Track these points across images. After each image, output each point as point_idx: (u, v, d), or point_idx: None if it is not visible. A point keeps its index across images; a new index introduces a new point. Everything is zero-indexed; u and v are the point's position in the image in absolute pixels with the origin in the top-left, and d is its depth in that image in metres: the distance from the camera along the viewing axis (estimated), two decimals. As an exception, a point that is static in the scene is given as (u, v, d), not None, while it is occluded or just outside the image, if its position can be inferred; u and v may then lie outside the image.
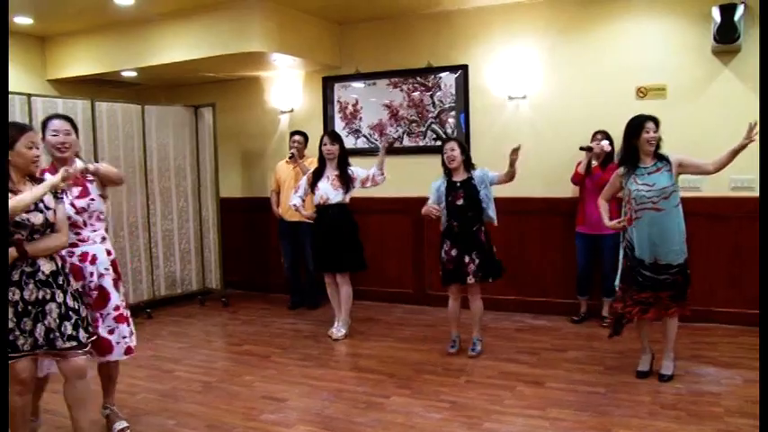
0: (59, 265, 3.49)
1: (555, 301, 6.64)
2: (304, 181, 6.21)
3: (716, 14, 5.65)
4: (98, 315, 3.83)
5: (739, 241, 5.99)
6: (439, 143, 7.00)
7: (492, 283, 6.78)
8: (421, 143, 7.19)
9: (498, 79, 6.78)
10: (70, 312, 3.42)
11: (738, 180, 5.94)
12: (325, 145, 6.05)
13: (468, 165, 5.42)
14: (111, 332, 3.86)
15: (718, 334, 5.81)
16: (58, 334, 3.36)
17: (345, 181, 6.00)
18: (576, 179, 6.17)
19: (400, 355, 5.60)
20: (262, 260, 8.17)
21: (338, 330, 6.15)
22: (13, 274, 3.28)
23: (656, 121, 4.71)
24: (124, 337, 3.93)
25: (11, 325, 3.26)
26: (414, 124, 7.24)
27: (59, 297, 3.40)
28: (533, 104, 6.66)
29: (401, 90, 7.28)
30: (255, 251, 8.22)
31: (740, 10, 5.57)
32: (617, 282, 4.84)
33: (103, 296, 3.85)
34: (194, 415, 4.36)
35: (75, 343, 3.42)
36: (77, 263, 3.78)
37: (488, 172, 5.41)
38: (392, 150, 7.22)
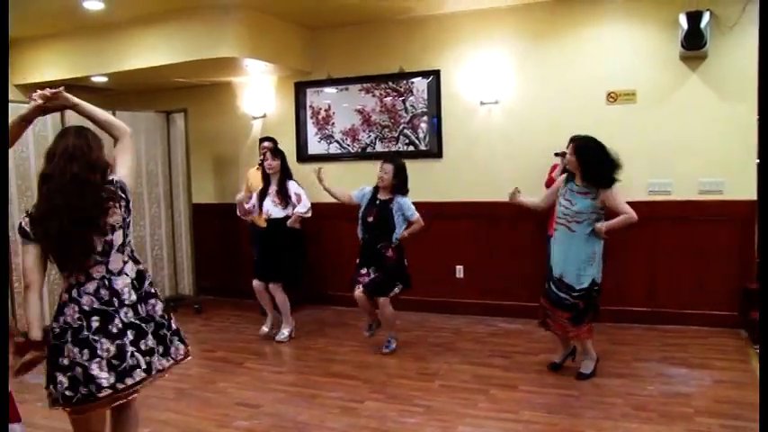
0: None
1: (527, 305, 6.64)
2: (254, 197, 6.28)
3: (683, 21, 5.74)
4: None
5: (706, 244, 6.08)
6: (411, 148, 7.08)
7: (465, 287, 6.83)
8: (393, 148, 7.19)
9: (470, 84, 6.82)
10: None
11: (707, 183, 6.03)
12: (266, 161, 6.16)
13: (396, 189, 5.61)
14: None
15: (687, 335, 5.88)
16: None
17: (284, 196, 6.11)
18: (550, 184, 6.22)
19: (374, 359, 5.60)
20: (235, 266, 8.12)
21: (281, 333, 6.25)
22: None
23: (574, 142, 4.80)
24: None
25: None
26: (386, 129, 7.25)
27: None
28: (505, 109, 6.70)
29: (373, 95, 7.29)
30: (228, 257, 8.18)
31: (706, 17, 5.67)
32: None
33: None
34: (168, 422, 4.33)
35: None
36: None
37: (410, 207, 5.59)
38: (364, 155, 7.25)
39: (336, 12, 6.78)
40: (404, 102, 7.15)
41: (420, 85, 7.07)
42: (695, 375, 4.90)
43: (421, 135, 7.09)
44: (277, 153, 6.21)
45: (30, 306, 2.78)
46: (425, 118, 7.08)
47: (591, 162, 4.67)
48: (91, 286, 2.85)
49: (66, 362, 2.79)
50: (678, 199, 6.12)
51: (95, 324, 2.82)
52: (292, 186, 6.14)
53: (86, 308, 2.83)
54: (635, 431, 3.96)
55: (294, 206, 6.06)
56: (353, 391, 4.84)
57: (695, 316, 6.11)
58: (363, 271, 5.63)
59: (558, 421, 4.14)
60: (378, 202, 5.63)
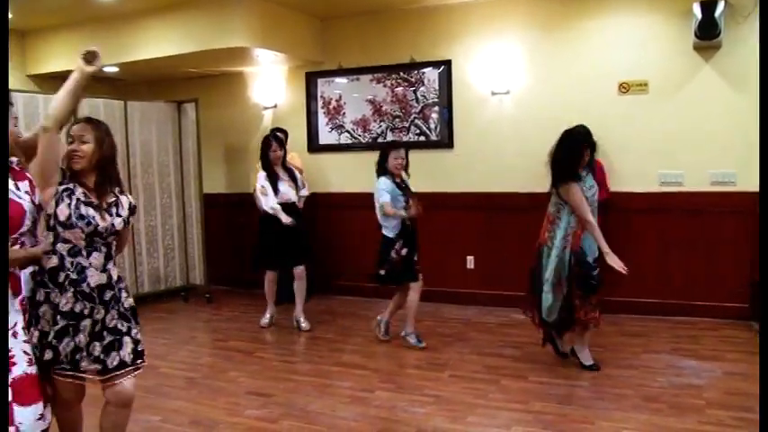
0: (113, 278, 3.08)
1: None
2: (269, 187, 6.15)
3: (697, 11, 5.69)
4: None
5: (717, 235, 6.05)
6: (423, 138, 7.06)
7: (476, 278, 6.82)
8: (404, 138, 7.18)
9: (481, 74, 6.79)
10: (104, 333, 2.98)
11: (719, 175, 5.99)
12: (274, 151, 6.20)
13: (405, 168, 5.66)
14: None
15: (698, 327, 5.86)
16: (84, 354, 2.93)
17: (293, 178, 6.28)
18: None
19: (384, 349, 5.62)
20: (245, 256, 8.12)
21: (305, 322, 6.27)
22: (59, 275, 2.91)
23: (591, 146, 4.84)
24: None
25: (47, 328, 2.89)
26: (397, 119, 7.24)
27: (98, 314, 2.97)
28: (516, 100, 6.68)
29: (384, 85, 7.28)
30: (239, 247, 8.19)
31: (721, 6, 5.61)
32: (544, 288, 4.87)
33: None
34: (179, 411, 4.35)
35: (99, 366, 2.95)
36: None
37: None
38: (375, 146, 7.24)
39: (347, 1, 6.78)
40: (415, 92, 7.14)
41: (431, 75, 7.05)
42: (706, 367, 4.89)
43: (432, 125, 7.08)
44: (282, 145, 6.34)
45: None
46: (436, 108, 7.06)
47: None
48: None
49: None
50: (690, 190, 6.09)
51: None
52: (293, 169, 6.38)
53: None
54: (645, 423, 3.94)
55: (299, 188, 6.31)
56: (364, 380, 4.85)
57: (706, 308, 6.09)
58: (416, 258, 5.60)
59: (568, 412, 4.14)
60: (405, 185, 5.62)
